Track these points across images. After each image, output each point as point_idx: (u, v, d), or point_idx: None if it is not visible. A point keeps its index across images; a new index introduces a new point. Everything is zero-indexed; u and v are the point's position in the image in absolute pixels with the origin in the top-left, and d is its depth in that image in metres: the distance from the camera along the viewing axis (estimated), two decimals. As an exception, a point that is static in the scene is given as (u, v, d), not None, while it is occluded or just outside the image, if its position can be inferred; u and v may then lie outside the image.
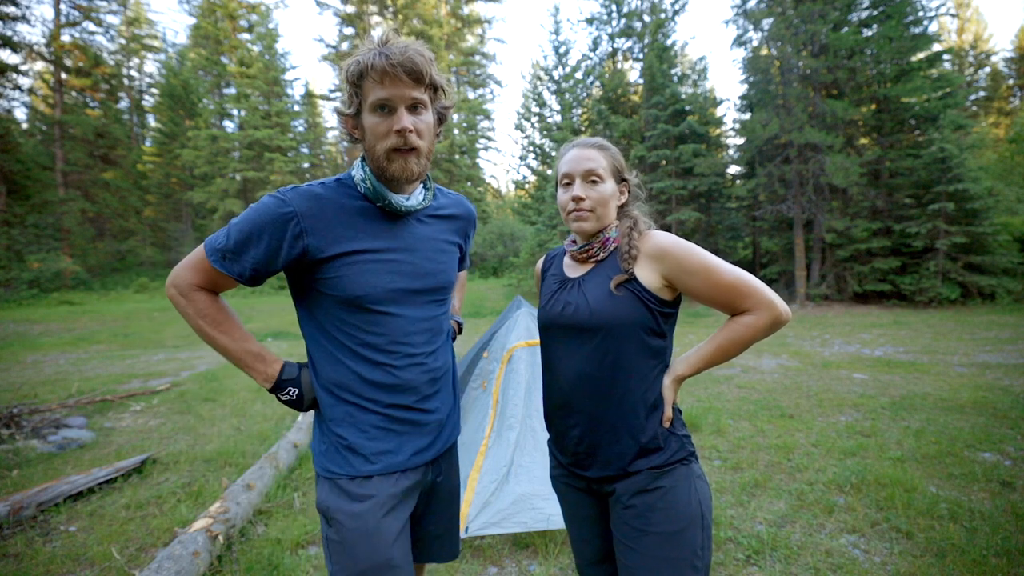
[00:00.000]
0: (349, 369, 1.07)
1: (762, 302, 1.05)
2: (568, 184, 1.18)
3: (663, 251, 1.08)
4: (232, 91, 29.44)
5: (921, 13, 13.77)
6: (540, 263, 1.39)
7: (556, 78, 22.69)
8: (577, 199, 1.15)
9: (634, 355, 1.10)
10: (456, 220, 1.26)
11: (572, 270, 1.23)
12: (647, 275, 1.10)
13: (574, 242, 1.25)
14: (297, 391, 1.09)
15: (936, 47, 14.25)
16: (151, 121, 32.40)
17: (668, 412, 1.11)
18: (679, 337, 9.11)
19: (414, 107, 1.00)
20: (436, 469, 1.20)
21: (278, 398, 1.10)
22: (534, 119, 25.68)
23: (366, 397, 1.08)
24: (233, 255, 1.01)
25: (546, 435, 2.70)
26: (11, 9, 20.68)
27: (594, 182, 1.15)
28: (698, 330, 10.23)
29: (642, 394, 1.10)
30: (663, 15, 17.65)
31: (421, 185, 1.16)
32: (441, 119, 1.12)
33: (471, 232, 1.35)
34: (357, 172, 1.08)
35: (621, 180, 1.22)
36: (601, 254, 1.18)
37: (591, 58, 20.11)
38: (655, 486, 1.07)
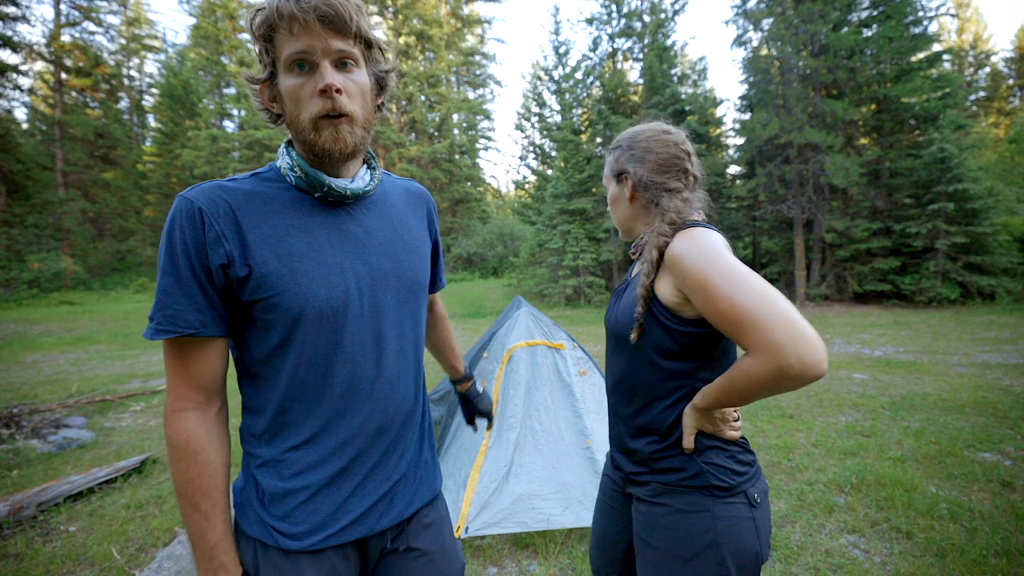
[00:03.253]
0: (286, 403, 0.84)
1: (762, 344, 0.76)
2: None
3: (672, 259, 0.91)
4: (232, 91, 29.43)
5: (921, 13, 13.78)
6: None
7: (556, 78, 22.68)
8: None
9: (649, 373, 0.99)
10: (413, 204, 1.02)
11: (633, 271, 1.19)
12: (663, 288, 0.94)
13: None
14: None
15: (936, 47, 14.25)
16: (151, 121, 32.38)
17: (686, 442, 0.96)
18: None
19: (342, 63, 0.79)
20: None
21: None
22: (534, 119, 25.71)
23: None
24: (170, 308, 0.75)
25: (545, 435, 2.71)
26: (11, 9, 20.66)
27: (608, 188, 1.17)
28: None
29: (659, 414, 1.00)
30: (663, 15, 17.67)
31: (364, 165, 0.93)
32: (381, 84, 0.89)
33: (434, 219, 1.08)
34: (282, 161, 0.85)
35: (620, 177, 1.12)
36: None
37: (591, 58, 20.11)
38: (660, 501, 0.99)
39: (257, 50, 0.81)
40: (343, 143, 0.80)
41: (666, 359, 0.96)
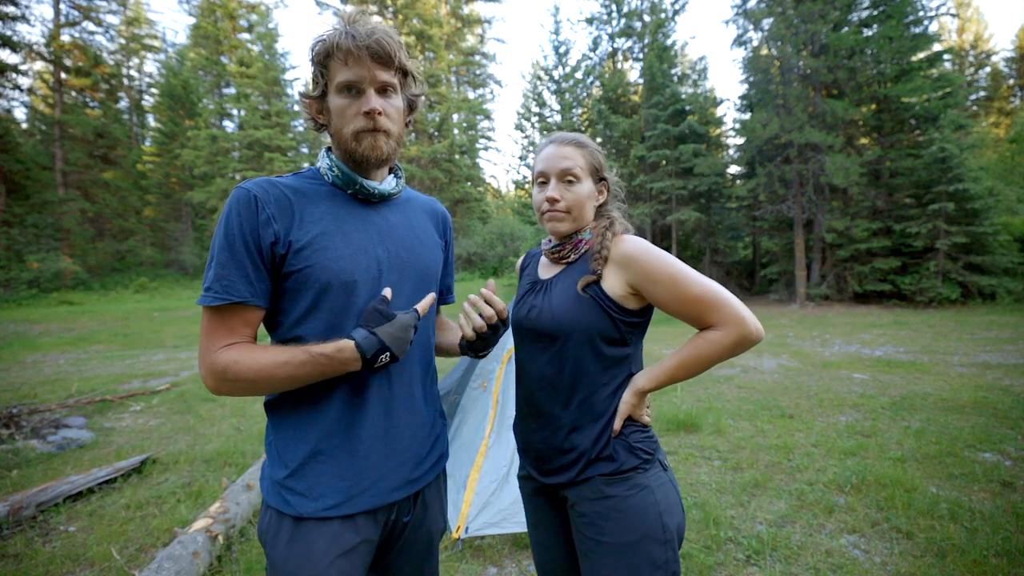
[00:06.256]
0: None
1: (730, 318, 0.98)
2: (544, 183, 1.14)
3: (629, 258, 1.04)
4: (232, 91, 29.43)
5: (921, 13, 13.78)
6: (520, 261, 1.36)
7: (556, 78, 22.67)
8: (551, 200, 1.11)
9: (592, 363, 1.07)
10: (431, 214, 1.18)
11: (545, 271, 1.21)
12: (612, 282, 1.06)
13: (550, 241, 1.21)
14: (388, 353, 0.90)
15: (936, 47, 14.25)
16: (151, 121, 32.37)
17: (616, 424, 1.06)
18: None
19: (383, 90, 0.96)
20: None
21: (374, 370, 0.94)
22: (534, 119, 25.68)
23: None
24: (225, 280, 0.87)
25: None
26: (11, 9, 20.65)
27: (570, 182, 1.11)
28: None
29: (600, 402, 1.08)
30: (663, 15, 17.67)
31: (391, 174, 1.10)
32: (411, 106, 1.06)
33: (449, 236, 1.23)
34: (322, 162, 1.02)
35: (600, 179, 1.17)
36: (572, 256, 1.14)
37: (591, 58, 20.12)
38: (606, 494, 1.04)
39: (312, 72, 0.97)
40: (379, 151, 0.97)
41: (611, 346, 1.07)
